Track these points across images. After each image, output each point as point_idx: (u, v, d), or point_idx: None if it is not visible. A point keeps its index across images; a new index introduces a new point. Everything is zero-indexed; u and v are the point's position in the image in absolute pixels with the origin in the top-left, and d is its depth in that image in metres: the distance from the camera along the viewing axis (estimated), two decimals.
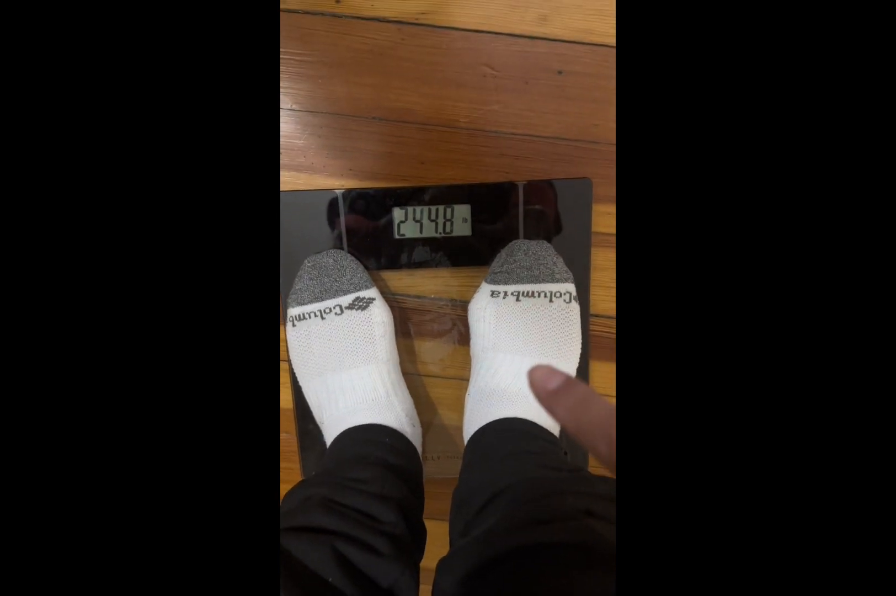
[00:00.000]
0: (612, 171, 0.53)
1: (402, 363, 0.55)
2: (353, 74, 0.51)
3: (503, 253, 0.51)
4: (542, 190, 0.52)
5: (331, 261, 0.51)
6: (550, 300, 0.50)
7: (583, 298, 0.53)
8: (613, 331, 0.57)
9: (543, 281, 0.50)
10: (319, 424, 0.53)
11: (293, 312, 0.51)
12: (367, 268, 0.53)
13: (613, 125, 0.51)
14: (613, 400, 0.21)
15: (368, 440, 0.47)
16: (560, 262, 0.51)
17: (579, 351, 0.52)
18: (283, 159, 0.53)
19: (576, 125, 0.52)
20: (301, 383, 0.53)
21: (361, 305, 0.51)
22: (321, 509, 0.39)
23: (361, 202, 0.52)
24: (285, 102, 0.51)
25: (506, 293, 0.50)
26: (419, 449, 0.52)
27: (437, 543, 0.48)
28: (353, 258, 0.52)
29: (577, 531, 0.34)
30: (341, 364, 0.50)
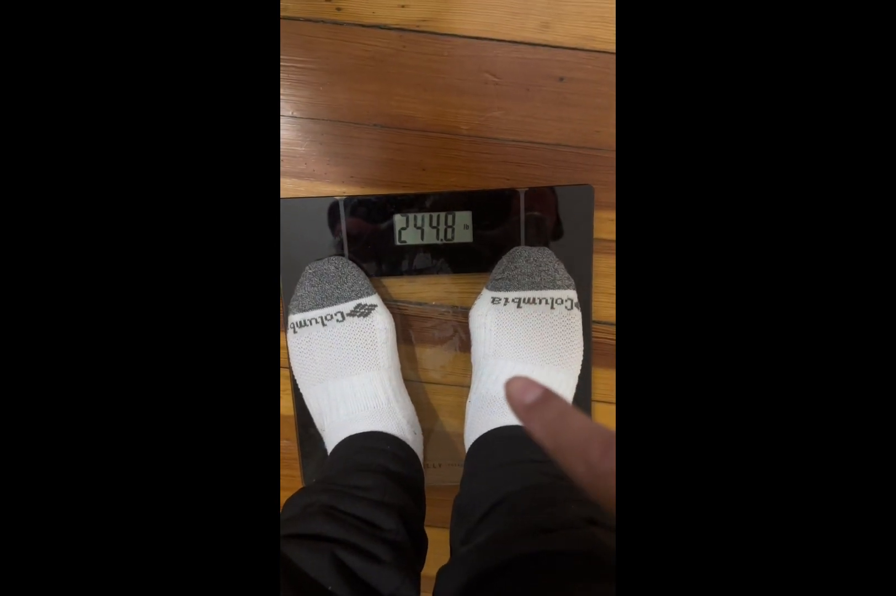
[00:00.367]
0: (613, 178, 0.53)
1: (403, 370, 0.55)
2: (354, 81, 0.51)
3: (504, 260, 0.51)
4: (543, 196, 0.52)
5: (332, 268, 0.51)
6: (552, 307, 0.50)
7: (585, 304, 0.53)
8: (615, 338, 0.57)
9: (545, 288, 0.50)
10: (320, 431, 0.53)
11: (294, 318, 0.51)
12: (368, 274, 0.53)
13: (615, 132, 0.51)
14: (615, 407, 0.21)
15: (370, 448, 0.47)
16: (561, 268, 0.51)
17: (581, 358, 0.52)
18: (285, 166, 0.53)
19: (577, 132, 0.52)
20: (302, 390, 0.53)
21: (363, 311, 0.51)
22: (322, 517, 0.39)
23: (363, 209, 0.52)
24: (287, 110, 0.52)
25: (507, 300, 0.50)
26: (420, 456, 0.52)
27: (439, 550, 0.48)
28: (354, 265, 0.52)
29: (580, 540, 0.34)
30: (342, 371, 0.50)
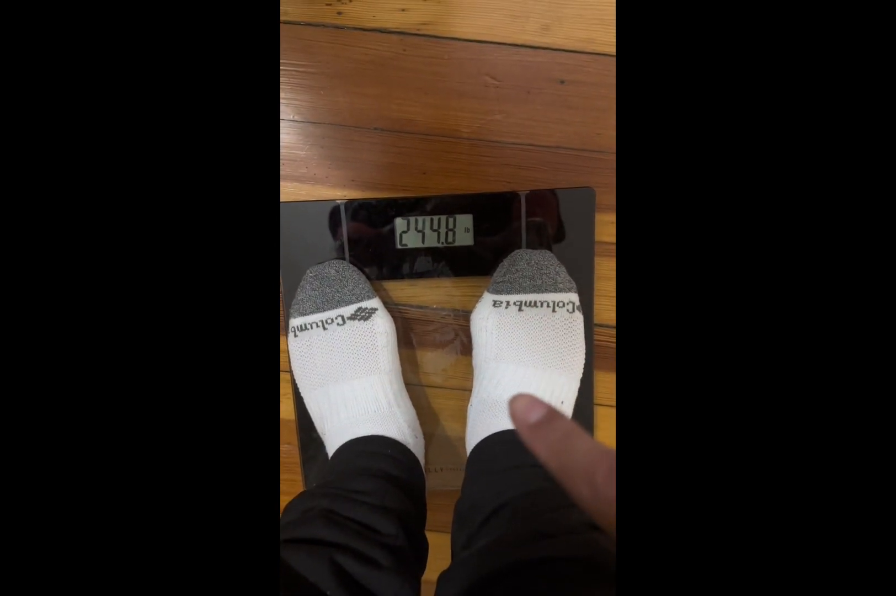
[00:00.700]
0: (614, 181, 0.52)
1: (404, 373, 0.55)
2: (355, 85, 0.51)
3: (505, 263, 0.51)
4: (544, 199, 0.51)
5: (333, 271, 0.51)
6: (553, 310, 0.50)
7: (586, 307, 0.53)
8: None
9: (546, 291, 0.50)
10: (321, 436, 0.53)
11: (295, 322, 0.51)
12: (369, 278, 0.53)
13: (615, 134, 0.51)
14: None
15: (370, 452, 0.47)
16: (563, 271, 0.51)
17: (583, 361, 0.51)
18: (286, 170, 0.53)
19: (578, 134, 0.52)
20: (303, 394, 0.52)
21: (363, 315, 0.51)
22: (321, 521, 0.38)
23: (363, 212, 0.52)
24: (288, 113, 0.52)
25: (508, 303, 0.50)
26: (421, 460, 0.52)
27: (440, 555, 0.47)
28: (355, 268, 0.52)
29: (582, 545, 0.34)
30: (343, 375, 0.50)
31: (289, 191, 0.53)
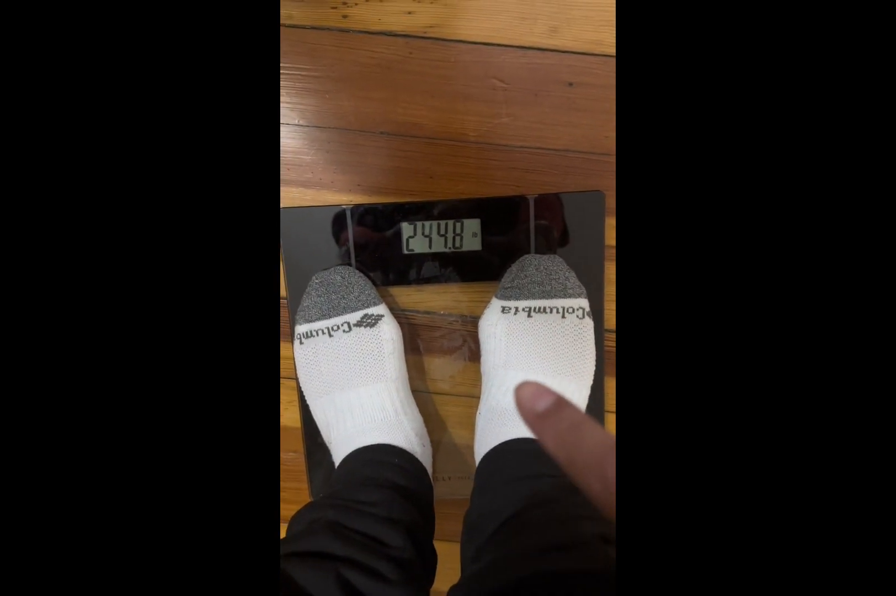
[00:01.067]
0: None
1: (411, 380, 0.54)
2: (360, 89, 0.51)
3: (514, 268, 0.50)
4: (553, 203, 0.51)
5: (338, 277, 0.50)
6: (563, 316, 0.49)
7: (597, 313, 0.52)
8: None
9: (555, 296, 0.49)
10: (327, 444, 0.52)
11: (301, 329, 0.51)
12: (375, 284, 0.52)
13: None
14: None
15: (377, 461, 0.46)
16: (572, 276, 0.50)
17: (593, 368, 0.51)
18: (291, 175, 0.52)
19: (587, 137, 0.51)
20: (308, 402, 0.52)
21: (370, 322, 0.50)
22: (327, 533, 0.38)
23: (370, 217, 0.51)
24: (292, 118, 0.51)
25: (517, 309, 0.49)
26: (429, 469, 0.51)
27: (449, 564, 0.47)
28: (361, 274, 0.51)
29: (593, 559, 0.33)
30: (349, 382, 0.49)
31: (294, 196, 0.53)
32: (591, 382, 0.51)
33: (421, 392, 0.56)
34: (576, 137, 0.51)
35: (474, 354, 0.55)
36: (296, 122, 0.51)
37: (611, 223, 0.52)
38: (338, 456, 0.49)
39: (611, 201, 0.51)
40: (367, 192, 0.52)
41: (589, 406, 0.51)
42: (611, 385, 0.56)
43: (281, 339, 0.55)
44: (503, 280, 0.51)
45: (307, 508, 0.42)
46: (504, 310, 0.49)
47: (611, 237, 0.52)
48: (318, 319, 0.50)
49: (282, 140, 0.52)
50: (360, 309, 0.50)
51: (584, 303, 0.50)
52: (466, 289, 0.54)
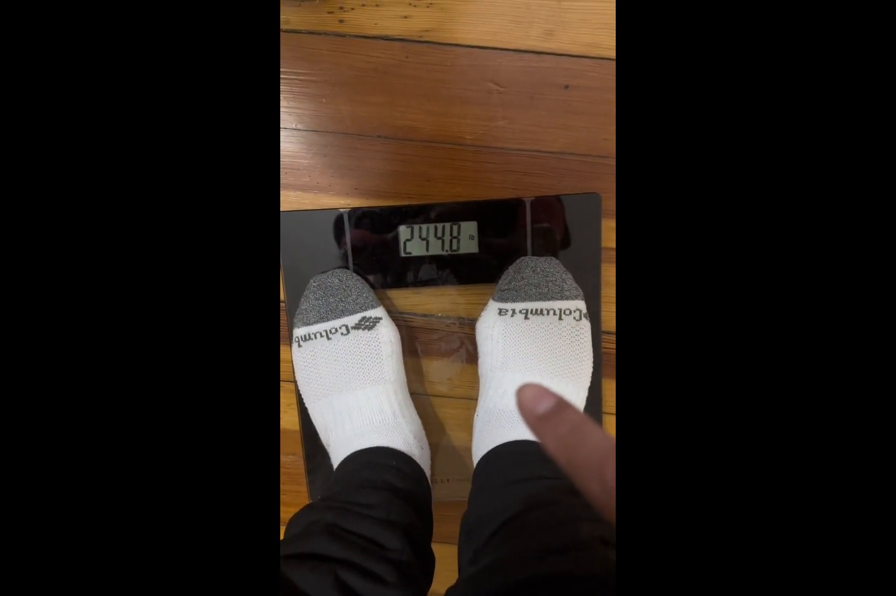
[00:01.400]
0: None
1: (409, 383, 0.54)
2: (357, 93, 0.51)
3: (511, 270, 0.50)
4: (549, 206, 0.51)
5: (336, 280, 0.50)
6: (560, 318, 0.49)
7: (594, 315, 0.52)
8: None
9: (552, 298, 0.49)
10: (326, 447, 0.52)
11: (299, 332, 0.51)
12: (373, 287, 0.52)
13: None
14: None
15: (375, 464, 0.46)
16: (569, 278, 0.50)
17: (591, 369, 0.51)
18: (289, 179, 0.52)
19: (583, 140, 0.51)
20: (307, 405, 0.52)
21: (368, 324, 0.50)
22: (325, 536, 0.38)
23: (367, 221, 0.51)
24: (290, 122, 0.51)
25: (514, 311, 0.49)
26: (427, 471, 0.51)
27: (447, 567, 0.47)
28: (358, 278, 0.51)
29: (592, 562, 0.33)
30: (347, 385, 0.49)
31: (292, 200, 0.53)
32: (588, 384, 0.51)
33: (419, 395, 0.56)
34: (572, 140, 0.51)
35: (472, 357, 0.55)
36: (293, 126, 0.52)
37: (607, 225, 0.52)
38: (336, 458, 0.50)
39: (607, 203, 0.52)
40: (365, 196, 0.53)
41: (586, 408, 0.52)
42: (608, 387, 0.56)
43: (279, 342, 0.55)
44: (500, 282, 0.51)
45: (305, 511, 0.42)
46: (501, 312, 0.49)
47: (607, 239, 0.53)
48: (317, 322, 0.50)
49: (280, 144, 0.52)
50: (358, 312, 0.50)
51: (580, 305, 0.50)
52: (464, 291, 0.54)
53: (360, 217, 0.51)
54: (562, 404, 0.20)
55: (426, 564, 0.43)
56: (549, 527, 0.37)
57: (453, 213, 0.51)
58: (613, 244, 0.53)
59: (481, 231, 0.51)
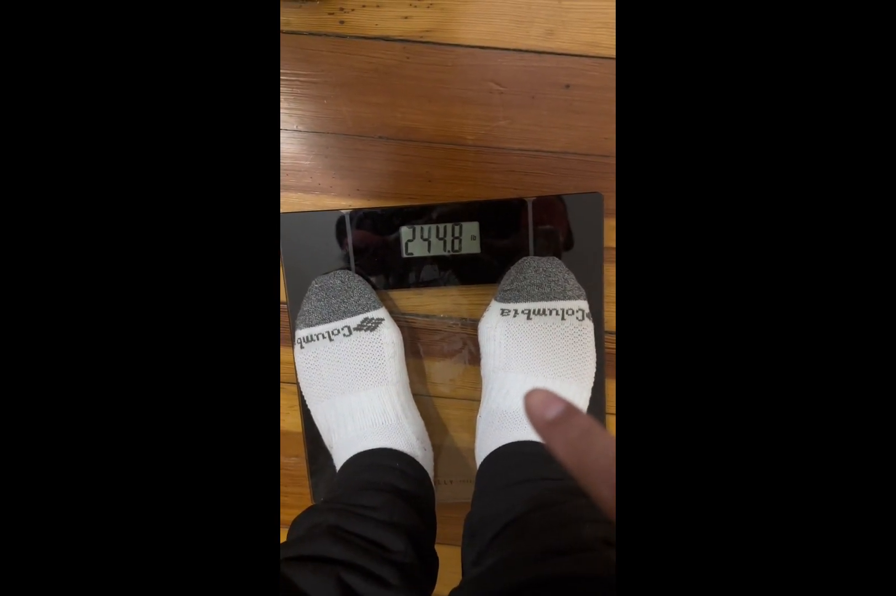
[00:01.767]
0: None
1: (411, 384, 0.54)
2: (358, 94, 0.51)
3: (513, 270, 0.50)
4: (551, 205, 0.51)
5: (338, 282, 0.50)
6: (562, 318, 0.49)
7: (596, 315, 0.52)
8: None
9: (555, 298, 0.49)
10: (329, 449, 0.52)
11: (301, 333, 0.51)
12: (375, 288, 0.52)
13: None
14: None
15: (378, 465, 0.46)
16: (572, 278, 0.50)
17: (594, 370, 0.50)
18: (290, 180, 0.52)
19: (585, 139, 0.51)
20: (309, 406, 0.52)
21: (370, 325, 0.50)
22: (328, 538, 0.38)
23: (369, 222, 0.51)
24: (291, 123, 0.51)
25: (516, 311, 0.49)
26: (431, 473, 0.51)
27: (451, 568, 0.46)
28: (360, 279, 0.51)
29: (594, 563, 0.33)
30: (350, 386, 0.49)
31: (293, 201, 0.53)
32: (591, 384, 0.51)
33: (422, 396, 0.56)
34: (573, 139, 0.51)
35: (474, 358, 0.55)
36: (294, 127, 0.52)
37: (609, 225, 0.52)
38: (339, 460, 0.49)
39: (609, 203, 0.51)
40: (366, 197, 0.53)
41: (589, 408, 0.51)
42: (611, 387, 0.56)
43: (281, 343, 0.55)
44: (502, 282, 0.51)
45: (308, 513, 0.42)
46: (503, 312, 0.49)
47: (610, 239, 0.52)
48: (319, 323, 0.50)
49: (281, 146, 0.52)
50: (360, 313, 0.50)
51: (583, 304, 0.50)
52: (466, 292, 0.54)
53: (362, 218, 0.51)
54: (570, 410, 0.20)
55: (429, 566, 0.42)
56: (552, 528, 0.37)
57: (455, 213, 0.51)
58: (615, 243, 0.53)
59: (483, 231, 0.51)
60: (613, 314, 0.54)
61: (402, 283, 0.53)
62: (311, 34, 0.50)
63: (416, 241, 0.51)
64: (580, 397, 0.50)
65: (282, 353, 0.55)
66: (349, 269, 0.52)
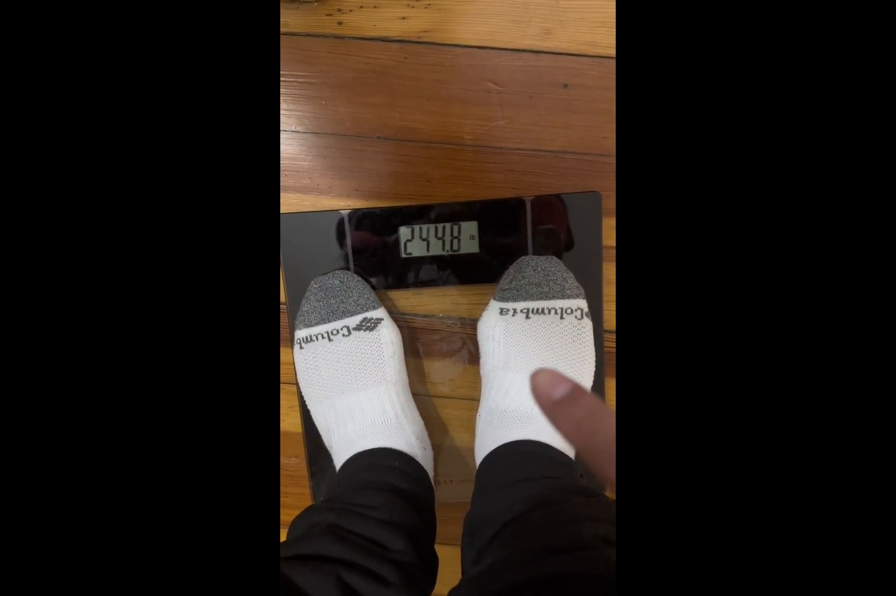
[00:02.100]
0: None
1: (411, 384, 0.54)
2: (356, 95, 0.51)
3: (512, 269, 0.50)
4: (550, 205, 0.51)
5: (337, 282, 0.50)
6: (561, 317, 0.49)
7: (596, 313, 0.52)
8: None
9: (553, 297, 0.49)
10: (329, 449, 0.52)
11: (300, 334, 0.51)
12: (374, 288, 0.52)
13: None
14: None
15: (377, 465, 0.46)
16: (570, 277, 0.50)
17: (593, 368, 0.50)
18: (289, 181, 0.53)
19: (583, 138, 0.51)
20: (309, 406, 0.52)
21: (369, 325, 0.50)
22: (327, 537, 0.38)
23: (368, 222, 0.51)
24: (290, 124, 0.52)
25: (515, 311, 0.49)
26: (431, 472, 0.51)
27: (451, 568, 0.46)
28: (359, 279, 0.51)
29: (594, 562, 0.33)
30: (349, 386, 0.49)
31: (292, 202, 0.53)
32: (591, 383, 0.51)
33: (421, 395, 0.56)
34: (572, 139, 0.51)
35: (474, 357, 0.55)
36: (293, 128, 0.52)
37: (608, 224, 0.52)
38: (339, 460, 0.49)
39: (608, 202, 0.51)
40: (365, 197, 0.53)
41: None
42: (611, 386, 0.56)
43: (281, 344, 0.55)
44: (501, 282, 0.51)
45: (307, 512, 0.42)
46: (502, 312, 0.49)
47: (609, 238, 0.52)
48: (318, 323, 0.50)
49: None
50: (359, 313, 0.50)
51: (582, 303, 0.50)
52: (465, 291, 0.54)
53: (361, 218, 0.51)
54: (577, 390, 0.20)
55: (429, 566, 0.42)
56: (552, 527, 0.37)
57: (454, 213, 0.51)
58: (614, 242, 0.53)
59: (482, 231, 0.51)
60: (612, 313, 0.54)
61: (401, 283, 0.53)
62: (308, 35, 0.50)
63: (414, 241, 0.52)
64: None
65: (281, 353, 0.55)
66: (348, 269, 0.52)
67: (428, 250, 0.52)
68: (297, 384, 0.53)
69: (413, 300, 0.54)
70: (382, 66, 0.50)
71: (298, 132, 0.52)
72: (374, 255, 0.52)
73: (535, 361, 0.48)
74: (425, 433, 0.53)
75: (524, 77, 0.50)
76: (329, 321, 0.50)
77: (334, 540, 0.37)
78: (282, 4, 0.49)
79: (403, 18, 0.50)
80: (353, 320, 0.50)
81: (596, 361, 0.51)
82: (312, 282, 0.51)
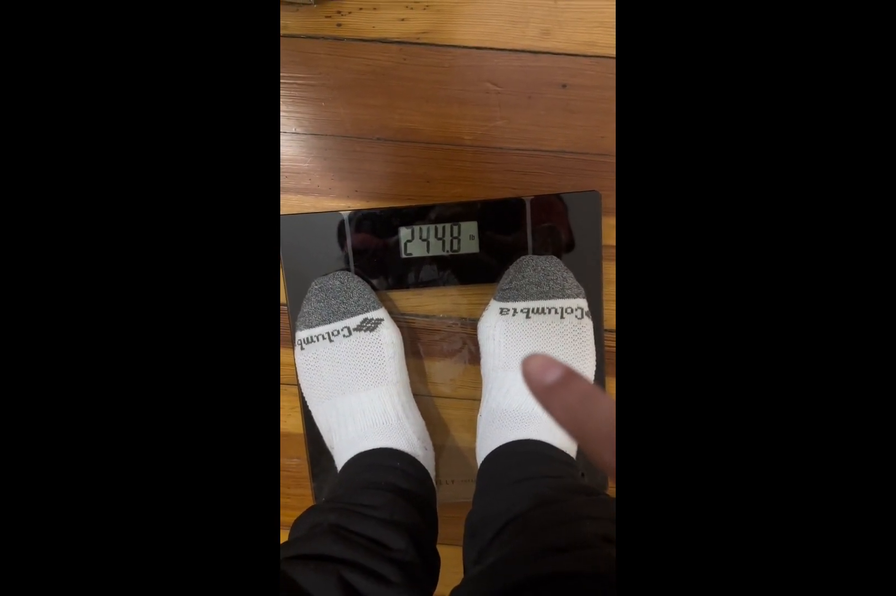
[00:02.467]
0: None
1: (412, 384, 0.54)
2: (356, 96, 0.51)
3: (512, 269, 0.50)
4: (549, 204, 0.51)
5: (337, 283, 0.51)
6: (561, 316, 0.49)
7: (596, 313, 0.52)
8: None
9: (554, 297, 0.49)
10: (330, 449, 0.52)
11: (301, 335, 0.51)
12: (374, 288, 0.52)
13: None
14: None
15: (379, 465, 0.46)
16: (570, 277, 0.50)
17: (594, 368, 0.50)
18: (289, 183, 0.53)
19: (582, 138, 0.51)
20: (310, 407, 0.52)
21: (370, 326, 0.50)
22: (329, 537, 0.38)
23: (368, 223, 0.52)
24: (290, 126, 0.52)
25: (515, 310, 0.49)
26: (432, 473, 0.51)
27: (452, 568, 0.46)
28: (359, 279, 0.51)
29: (595, 560, 0.33)
30: (350, 387, 0.49)
31: (292, 203, 0.53)
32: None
33: (422, 396, 0.56)
34: (571, 139, 0.51)
35: (475, 357, 0.55)
36: (293, 130, 0.52)
37: (608, 223, 0.52)
38: (340, 460, 0.50)
39: (607, 201, 0.51)
40: (365, 198, 0.53)
41: None
42: (612, 385, 0.56)
43: (282, 345, 0.55)
44: (501, 282, 0.51)
45: (309, 512, 0.43)
46: (502, 311, 0.49)
47: (608, 237, 0.52)
48: (319, 324, 0.50)
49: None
50: (360, 313, 0.50)
51: (582, 303, 0.50)
52: (465, 291, 0.54)
53: (361, 219, 0.51)
54: (570, 374, 0.19)
55: (431, 565, 0.42)
56: (553, 526, 0.37)
57: (453, 213, 0.51)
58: (614, 242, 0.53)
59: (482, 231, 0.51)
60: (612, 312, 0.54)
61: (401, 284, 0.53)
62: (308, 37, 0.50)
63: (414, 242, 0.52)
64: None
65: (282, 354, 0.56)
66: (348, 270, 0.52)
67: (428, 251, 0.52)
68: (298, 385, 0.53)
69: (413, 301, 0.54)
70: (382, 68, 0.50)
71: (298, 134, 0.52)
72: (375, 255, 0.52)
73: None
74: (426, 433, 0.53)
75: (523, 77, 0.50)
76: (330, 322, 0.50)
77: (336, 540, 0.37)
78: (281, 7, 0.50)
79: (402, 20, 0.50)
80: (354, 321, 0.50)
81: (596, 361, 0.51)
82: (313, 283, 0.51)
